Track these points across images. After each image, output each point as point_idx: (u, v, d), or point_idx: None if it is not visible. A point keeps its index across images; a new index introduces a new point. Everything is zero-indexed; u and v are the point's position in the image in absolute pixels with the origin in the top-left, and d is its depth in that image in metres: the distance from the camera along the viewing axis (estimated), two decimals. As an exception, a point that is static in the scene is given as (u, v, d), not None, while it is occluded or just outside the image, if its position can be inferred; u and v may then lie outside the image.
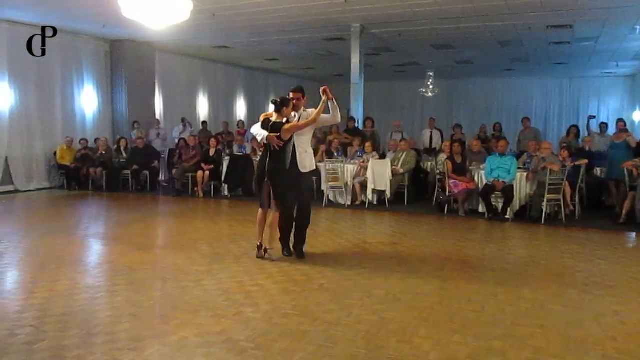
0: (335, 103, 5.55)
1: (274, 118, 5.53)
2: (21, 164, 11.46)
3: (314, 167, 5.90)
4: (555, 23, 10.76)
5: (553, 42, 12.77)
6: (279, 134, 5.41)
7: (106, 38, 13.01)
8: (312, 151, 5.89)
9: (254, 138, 12.07)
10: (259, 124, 5.65)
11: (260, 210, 5.73)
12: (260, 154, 5.94)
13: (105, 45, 13.28)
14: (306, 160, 5.65)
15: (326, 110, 5.61)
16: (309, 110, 5.73)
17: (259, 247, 5.70)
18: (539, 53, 14.42)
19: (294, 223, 5.77)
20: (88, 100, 13.04)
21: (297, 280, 4.95)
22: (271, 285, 4.81)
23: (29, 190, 11.44)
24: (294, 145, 5.54)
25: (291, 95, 5.64)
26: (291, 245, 5.84)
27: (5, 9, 9.86)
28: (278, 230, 5.71)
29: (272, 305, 4.25)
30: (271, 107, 5.64)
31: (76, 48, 12.57)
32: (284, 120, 5.50)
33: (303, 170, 5.63)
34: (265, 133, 5.48)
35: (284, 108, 5.49)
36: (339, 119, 5.77)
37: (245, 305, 4.24)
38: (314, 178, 10.16)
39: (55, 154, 12.03)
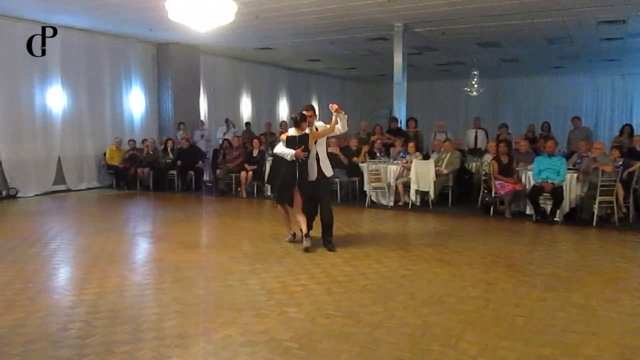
0: (343, 113, 6.36)
1: (294, 132, 6.26)
2: (73, 164, 11.89)
3: (332, 173, 6.57)
4: (607, 18, 10.36)
5: (605, 39, 12.30)
6: (303, 146, 6.15)
7: (153, 41, 13.34)
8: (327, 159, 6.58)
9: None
10: (281, 143, 6.38)
11: (280, 206, 6.59)
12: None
13: (152, 48, 13.63)
14: (327, 166, 6.40)
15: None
16: (318, 123, 6.51)
17: (294, 235, 6.53)
18: (590, 50, 13.93)
19: (322, 222, 6.38)
20: (136, 102, 13.41)
21: (340, 281, 4.93)
22: (314, 285, 4.81)
23: (80, 190, 11.85)
24: (317, 154, 6.30)
25: (305, 112, 6.28)
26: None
27: (59, 14, 10.24)
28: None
29: (315, 306, 4.25)
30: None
31: (124, 51, 12.94)
32: (306, 130, 6.24)
33: (327, 175, 6.37)
34: (291, 151, 6.16)
35: (302, 123, 6.22)
36: (347, 127, 6.53)
37: (288, 305, 4.26)
38: (357, 179, 10.21)
39: (104, 154, 12.42)
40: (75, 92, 11.84)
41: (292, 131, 6.31)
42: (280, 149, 6.35)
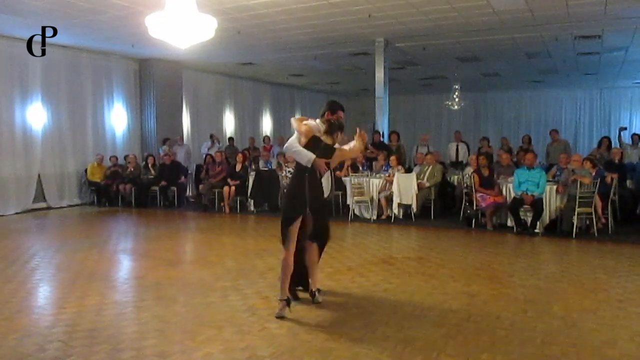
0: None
1: (322, 136, 4.57)
2: (53, 181, 11.73)
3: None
4: (583, 34, 10.59)
5: (582, 53, 12.56)
6: (328, 161, 4.55)
7: (135, 57, 13.31)
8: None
9: (280, 153, 12.19)
10: (295, 137, 4.59)
11: (286, 253, 4.54)
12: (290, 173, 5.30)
13: (134, 64, 13.59)
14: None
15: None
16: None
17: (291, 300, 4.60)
18: (568, 64, 14.20)
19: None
20: (118, 118, 13.32)
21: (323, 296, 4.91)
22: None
23: (61, 207, 11.69)
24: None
25: (341, 114, 4.73)
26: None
27: (40, 31, 10.15)
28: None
29: (297, 322, 4.23)
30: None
31: (106, 67, 12.88)
32: (335, 145, 4.64)
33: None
34: (311, 155, 4.42)
35: (338, 133, 4.63)
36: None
37: (270, 321, 4.23)
38: (340, 193, 10.20)
39: (86, 171, 12.29)
40: (56, 109, 11.73)
41: (318, 131, 4.58)
42: (295, 145, 4.52)
